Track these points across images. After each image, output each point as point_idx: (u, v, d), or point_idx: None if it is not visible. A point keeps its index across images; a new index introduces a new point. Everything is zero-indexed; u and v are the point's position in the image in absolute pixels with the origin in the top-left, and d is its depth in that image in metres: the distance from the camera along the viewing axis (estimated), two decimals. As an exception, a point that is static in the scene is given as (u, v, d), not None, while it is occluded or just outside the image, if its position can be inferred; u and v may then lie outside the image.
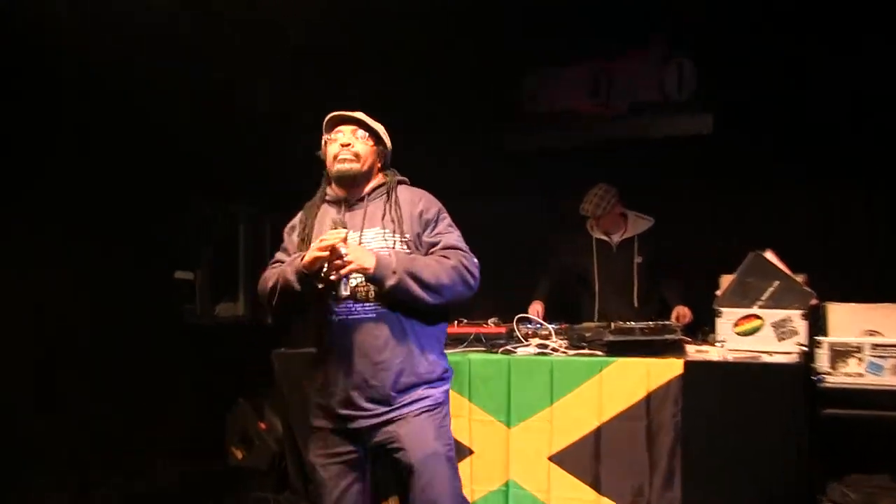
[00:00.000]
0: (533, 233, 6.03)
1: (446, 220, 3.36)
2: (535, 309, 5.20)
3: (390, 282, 3.12)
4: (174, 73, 5.37)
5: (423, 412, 3.24)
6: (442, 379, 3.35)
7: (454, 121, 6.06)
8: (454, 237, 3.31)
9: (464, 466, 4.23)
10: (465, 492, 4.19)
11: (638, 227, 5.25)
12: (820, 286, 4.40)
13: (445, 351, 3.48)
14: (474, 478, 4.25)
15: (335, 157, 3.34)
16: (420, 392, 3.26)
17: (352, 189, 3.38)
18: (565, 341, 4.34)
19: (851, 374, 3.99)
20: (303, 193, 6.70)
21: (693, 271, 5.09)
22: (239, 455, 5.95)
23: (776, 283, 4.31)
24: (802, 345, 4.11)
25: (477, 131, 6.13)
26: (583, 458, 4.05)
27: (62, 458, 5.17)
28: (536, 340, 4.37)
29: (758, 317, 4.21)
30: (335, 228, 3.12)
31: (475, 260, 3.28)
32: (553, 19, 5.61)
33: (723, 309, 4.26)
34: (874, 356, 3.98)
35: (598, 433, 4.03)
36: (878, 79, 5.23)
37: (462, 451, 4.24)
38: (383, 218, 3.29)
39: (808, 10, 5.22)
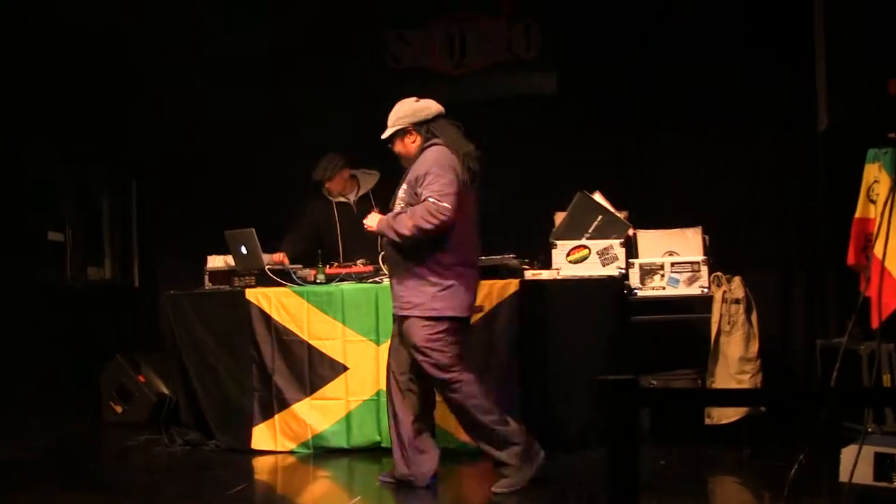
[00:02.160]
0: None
1: None
2: (279, 258, 5.42)
3: None
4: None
5: None
6: None
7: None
8: None
9: (340, 381, 4.92)
10: (342, 404, 4.86)
11: (369, 183, 5.67)
12: (640, 217, 5.23)
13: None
14: (349, 390, 4.93)
15: None
16: None
17: None
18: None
19: (656, 288, 4.91)
20: (170, 157, 6.96)
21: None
22: (118, 409, 6.17)
23: (599, 217, 5.15)
24: (621, 268, 4.97)
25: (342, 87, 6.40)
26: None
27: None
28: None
29: (585, 247, 5.04)
30: None
31: None
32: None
33: (557, 242, 5.08)
34: (673, 272, 4.90)
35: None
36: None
37: (337, 368, 4.92)
38: None
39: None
